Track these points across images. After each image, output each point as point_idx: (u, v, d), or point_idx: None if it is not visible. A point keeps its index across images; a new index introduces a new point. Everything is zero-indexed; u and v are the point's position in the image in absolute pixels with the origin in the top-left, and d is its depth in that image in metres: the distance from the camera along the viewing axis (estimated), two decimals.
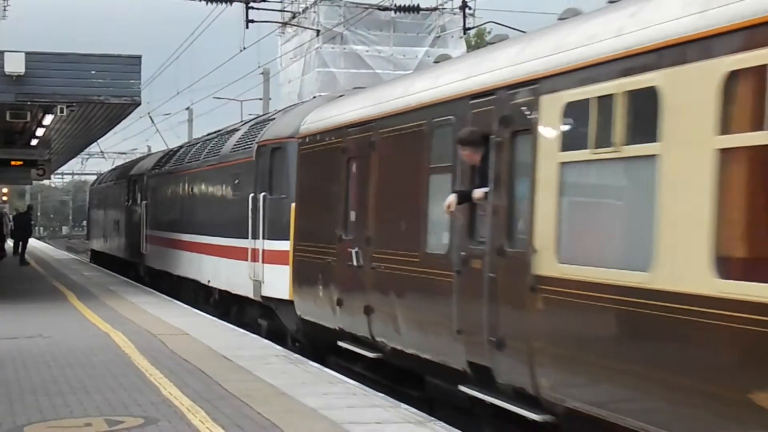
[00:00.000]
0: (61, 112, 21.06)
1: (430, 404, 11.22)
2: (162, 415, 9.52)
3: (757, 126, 6.19)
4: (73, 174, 79.62)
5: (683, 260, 6.82)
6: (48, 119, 23.00)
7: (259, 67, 38.91)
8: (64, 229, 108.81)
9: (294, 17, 34.38)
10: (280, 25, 34.41)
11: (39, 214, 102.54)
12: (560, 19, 9.65)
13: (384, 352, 12.29)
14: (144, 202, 29.79)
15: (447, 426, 9.19)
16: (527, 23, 10.88)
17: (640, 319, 7.23)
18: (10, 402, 10.28)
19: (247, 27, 29.76)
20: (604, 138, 7.77)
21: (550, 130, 8.61)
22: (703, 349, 6.63)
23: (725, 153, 6.48)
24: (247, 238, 18.31)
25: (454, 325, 10.05)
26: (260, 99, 42.23)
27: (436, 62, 13.27)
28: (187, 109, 54.57)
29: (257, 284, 17.73)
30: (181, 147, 29.44)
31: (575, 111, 8.24)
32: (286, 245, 16.36)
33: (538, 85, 8.79)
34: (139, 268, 30.26)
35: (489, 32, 50.21)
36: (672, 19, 7.15)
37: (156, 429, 8.94)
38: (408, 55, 33.58)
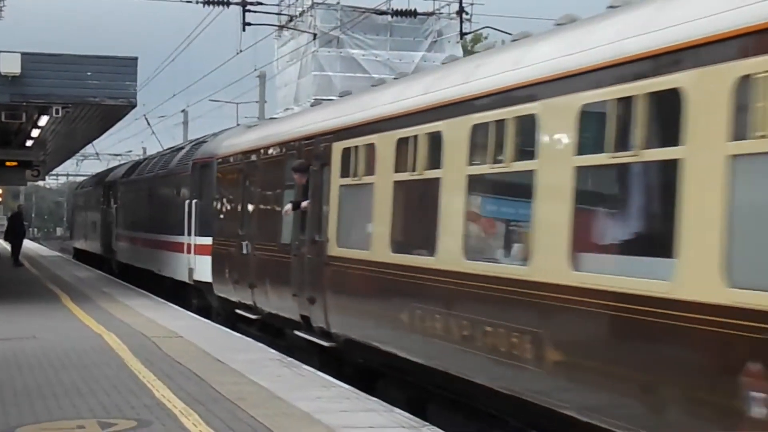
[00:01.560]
0: (57, 113, 21.03)
1: (423, 403, 11.59)
2: (155, 418, 9.49)
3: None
4: (68, 175, 79.57)
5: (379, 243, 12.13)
6: (43, 120, 22.96)
7: (255, 70, 38.91)
8: (59, 231, 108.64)
9: (291, 20, 34.40)
10: (276, 28, 34.43)
11: (33, 215, 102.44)
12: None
13: (262, 315, 17.23)
14: (115, 205, 35.14)
15: (439, 430, 9.17)
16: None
17: (370, 278, 12.30)
18: (2, 403, 10.25)
19: (243, 30, 29.78)
20: (355, 171, 13.06)
21: (336, 164, 13.65)
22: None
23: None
24: (184, 234, 23.23)
25: (292, 291, 15.03)
26: (256, 102, 42.23)
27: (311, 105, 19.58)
28: (183, 111, 54.59)
29: (191, 271, 22.61)
30: (144, 159, 35.55)
31: (348, 154, 13.27)
32: (209, 240, 21.05)
33: (331, 136, 13.97)
34: (112, 263, 35.15)
35: (485, 37, 50.26)
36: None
37: (149, 431, 8.93)
38: (405, 59, 33.61)
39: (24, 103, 20.62)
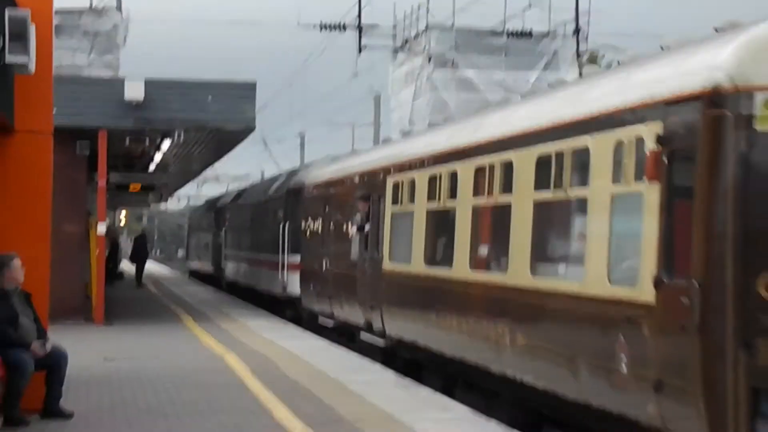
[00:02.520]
0: (179, 137, 21.50)
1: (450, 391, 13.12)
2: None
3: None
4: (189, 198, 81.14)
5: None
6: (165, 144, 23.49)
7: (370, 92, 39.18)
8: (180, 252, 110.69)
9: (406, 43, 34.54)
10: (391, 50, 34.61)
11: (156, 237, 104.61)
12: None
13: (337, 322, 19.99)
14: (224, 228, 38.45)
15: None
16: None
17: (411, 287, 15.39)
18: (128, 422, 10.47)
19: (359, 53, 30.02)
20: (402, 200, 16.07)
21: (389, 195, 16.64)
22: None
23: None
24: (279, 254, 25.96)
25: (358, 300, 18.00)
26: (371, 124, 42.52)
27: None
28: (300, 134, 55.26)
29: (284, 286, 25.43)
30: (248, 186, 39.81)
31: (397, 187, 16.16)
32: (298, 258, 23.81)
33: (383, 172, 17.08)
34: (222, 281, 38.23)
35: (602, 56, 49.71)
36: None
37: None
38: (520, 79, 33.42)
39: (147, 128, 21.14)
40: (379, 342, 16.60)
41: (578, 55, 32.01)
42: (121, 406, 11.39)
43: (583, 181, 9.99)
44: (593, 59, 50.63)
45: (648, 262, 8.63)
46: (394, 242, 16.28)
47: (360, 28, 29.49)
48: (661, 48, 9.76)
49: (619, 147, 9.26)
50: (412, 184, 15.44)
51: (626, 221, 9.23)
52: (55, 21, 17.51)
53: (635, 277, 8.79)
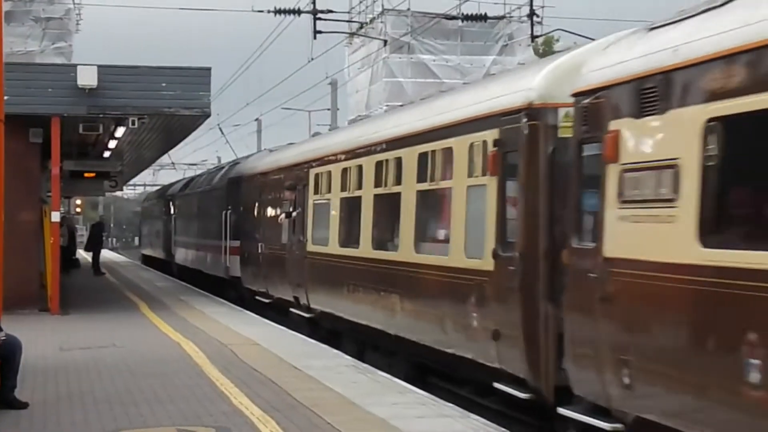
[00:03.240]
0: (133, 124, 21.33)
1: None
2: (233, 425, 9.58)
3: None
4: (144, 185, 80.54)
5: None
6: (120, 131, 23.31)
7: (327, 77, 39.07)
8: (137, 240, 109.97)
9: (361, 27, 34.49)
10: (347, 35, 34.54)
11: (112, 225, 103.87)
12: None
13: (273, 299, 22.53)
14: (173, 216, 41.00)
15: None
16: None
17: (329, 266, 17.79)
18: (84, 411, 10.42)
19: (314, 38, 29.91)
20: (321, 190, 18.66)
21: (311, 185, 19.25)
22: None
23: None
24: (221, 239, 28.39)
25: (288, 279, 20.68)
26: (328, 109, 42.42)
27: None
28: (256, 120, 55.01)
29: (227, 269, 27.91)
30: (195, 176, 42.28)
31: (318, 177, 18.82)
32: (238, 242, 26.48)
33: (307, 165, 19.65)
34: (172, 266, 40.22)
35: (557, 40, 49.95)
36: None
37: None
38: (475, 63, 33.50)
39: (101, 115, 20.95)
40: (306, 315, 19.20)
41: (533, 39, 32.13)
42: (77, 396, 11.33)
43: (449, 175, 12.59)
44: (548, 43, 50.85)
45: (489, 239, 11.27)
46: (316, 227, 19.00)
47: (315, 13, 29.38)
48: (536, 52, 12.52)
49: (471, 148, 11.92)
50: (329, 175, 18.08)
51: (476, 208, 11.76)
52: (5, 7, 17.32)
53: (482, 252, 11.40)
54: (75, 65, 21.16)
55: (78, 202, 56.71)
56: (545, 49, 47.94)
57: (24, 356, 11.01)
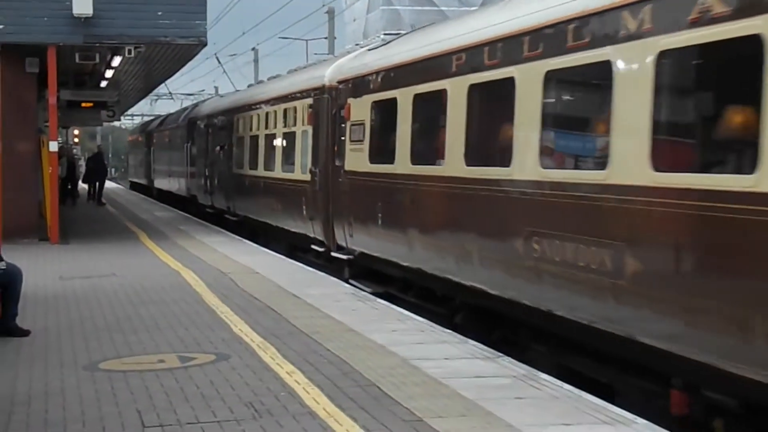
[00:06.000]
0: (129, 53, 21.20)
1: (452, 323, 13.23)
2: (233, 352, 9.67)
3: None
4: (142, 115, 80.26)
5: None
6: (116, 61, 23.18)
7: (323, 5, 38.74)
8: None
9: None
10: None
11: (110, 155, 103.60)
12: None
13: (214, 210, 29.98)
14: (152, 148, 49.05)
15: (514, 361, 9.23)
16: None
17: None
18: (85, 339, 10.51)
19: None
20: (242, 130, 26.36)
21: (236, 128, 27.18)
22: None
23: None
24: (184, 166, 36.05)
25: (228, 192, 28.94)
26: (325, 38, 42.11)
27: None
28: (253, 49, 54.67)
29: (188, 189, 35.51)
30: (169, 114, 48.89)
31: (238, 120, 26.86)
32: (194, 169, 33.85)
33: (236, 110, 27.28)
34: (152, 189, 48.28)
35: None
36: None
37: (227, 365, 9.09)
38: None
39: (97, 44, 20.83)
40: (233, 218, 26.85)
41: None
42: (78, 324, 11.42)
43: (295, 123, 20.39)
44: None
45: (308, 162, 18.99)
46: (242, 156, 25.79)
47: None
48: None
49: (301, 108, 19.79)
50: (244, 120, 25.58)
51: (304, 144, 19.47)
52: None
53: (306, 169, 19.10)
54: None
55: (76, 132, 56.55)
56: None
57: (24, 285, 11.07)
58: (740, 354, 7.10)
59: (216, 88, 62.81)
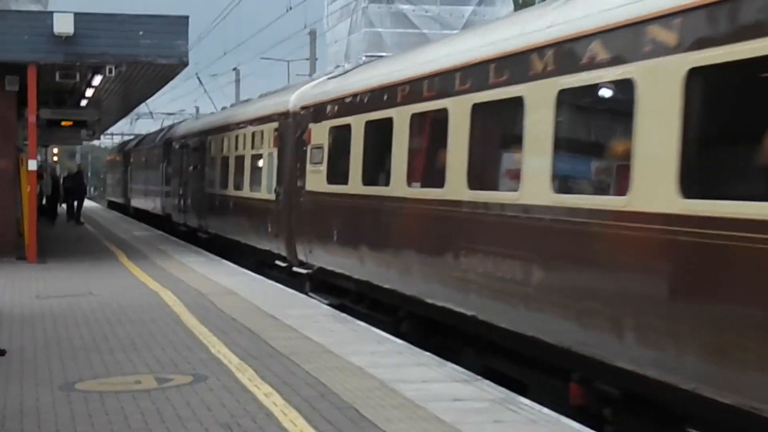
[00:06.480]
0: (110, 72, 21.17)
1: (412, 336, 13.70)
2: (211, 373, 9.62)
3: None
4: (122, 134, 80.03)
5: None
6: (97, 80, 23.13)
7: (305, 27, 38.83)
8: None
9: None
10: None
11: (89, 174, 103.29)
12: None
13: (186, 227, 31.28)
14: (129, 167, 50.26)
15: (493, 384, 9.21)
16: None
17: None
18: (61, 358, 10.44)
19: None
20: (215, 151, 27.79)
21: (208, 149, 28.63)
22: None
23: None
24: (160, 186, 37.48)
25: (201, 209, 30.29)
26: (307, 59, 42.16)
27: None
28: (235, 69, 54.68)
29: (163, 207, 36.65)
30: (146, 135, 50.29)
31: (210, 143, 28.27)
32: (169, 188, 35.03)
33: (209, 132, 28.42)
34: (129, 208, 49.78)
35: None
36: None
37: (205, 386, 9.04)
38: (455, 14, 33.39)
39: (78, 63, 20.79)
40: (204, 236, 27.91)
41: None
42: (54, 343, 11.34)
43: (262, 146, 21.56)
44: None
45: (273, 183, 20.23)
46: (213, 176, 27.12)
47: None
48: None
49: (268, 131, 21.00)
50: (216, 142, 27.01)
51: (270, 165, 20.76)
52: None
53: (272, 189, 20.35)
54: (51, 12, 20.96)
55: (55, 151, 56.32)
56: (525, 0, 47.68)
57: (1, 303, 10.99)
58: (616, 348, 8.24)
59: (197, 107, 62.78)
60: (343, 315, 13.89)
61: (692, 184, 7.42)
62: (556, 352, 9.31)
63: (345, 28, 35.35)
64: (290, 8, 31.68)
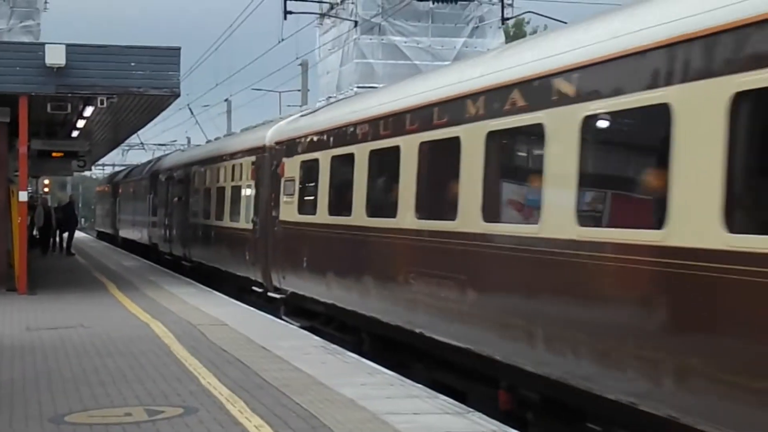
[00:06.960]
0: (102, 103, 21.18)
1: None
2: (201, 405, 9.58)
3: None
4: (113, 165, 79.99)
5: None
6: (88, 111, 23.14)
7: (297, 58, 38.95)
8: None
9: (332, 8, 34.38)
10: (318, 16, 34.43)
11: (80, 205, 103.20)
12: None
13: (172, 256, 32.33)
14: (118, 198, 51.53)
15: (485, 417, 9.18)
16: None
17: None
18: (51, 392, 10.38)
19: (285, 18, 29.82)
20: (198, 183, 29.20)
21: (191, 182, 30.01)
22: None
23: None
24: (147, 216, 38.53)
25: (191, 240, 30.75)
26: (299, 90, 42.27)
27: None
28: (226, 100, 54.78)
29: (150, 238, 37.73)
30: (135, 166, 52.15)
31: (194, 175, 29.74)
32: (156, 218, 36.28)
33: (192, 165, 30.38)
34: (117, 238, 51.11)
35: (527, 22, 49.83)
36: None
37: (195, 419, 9.00)
38: (446, 45, 33.49)
39: (69, 94, 20.80)
40: (188, 264, 28.95)
41: (503, 21, 32.13)
42: (44, 375, 11.29)
43: (241, 178, 22.81)
44: (519, 26, 50.83)
45: (251, 213, 21.46)
46: (196, 207, 28.43)
47: None
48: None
49: (246, 165, 22.31)
50: (201, 173, 28.03)
51: (248, 196, 22.05)
52: None
53: (249, 219, 21.56)
54: (43, 44, 21.00)
55: (46, 181, 56.27)
56: (516, 32, 47.95)
57: None
58: (530, 356, 9.35)
59: (188, 138, 62.84)
60: (334, 346, 13.86)
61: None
62: (488, 361, 10.45)
63: (337, 60, 35.42)
64: (282, 39, 31.79)
